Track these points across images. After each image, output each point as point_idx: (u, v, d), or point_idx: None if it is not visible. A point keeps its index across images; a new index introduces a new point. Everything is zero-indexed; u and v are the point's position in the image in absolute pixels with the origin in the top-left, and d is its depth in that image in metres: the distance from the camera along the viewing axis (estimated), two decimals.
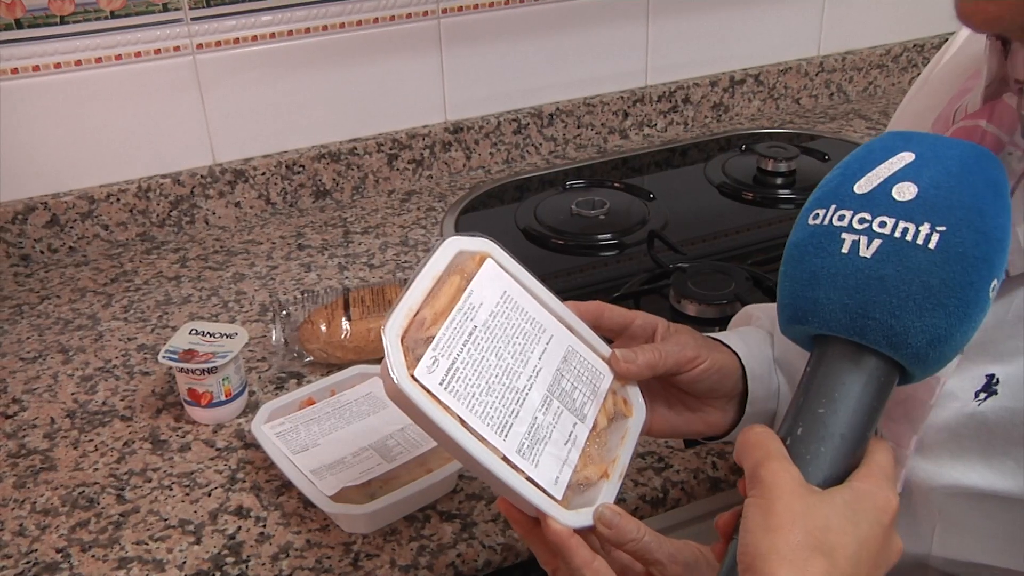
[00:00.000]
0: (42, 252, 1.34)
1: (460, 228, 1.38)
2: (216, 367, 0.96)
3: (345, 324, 1.05)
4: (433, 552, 0.83)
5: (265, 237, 1.38)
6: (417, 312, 0.62)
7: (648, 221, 1.38)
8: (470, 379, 0.62)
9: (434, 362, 0.61)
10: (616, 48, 1.62)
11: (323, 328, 1.05)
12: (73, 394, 1.06)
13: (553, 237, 1.36)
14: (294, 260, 1.32)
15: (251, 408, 1.01)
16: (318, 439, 0.91)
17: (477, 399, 0.61)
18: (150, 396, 1.05)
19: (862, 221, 0.54)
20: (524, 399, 0.64)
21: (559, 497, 0.63)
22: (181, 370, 0.97)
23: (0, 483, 0.93)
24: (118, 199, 1.36)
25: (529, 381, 0.65)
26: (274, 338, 1.07)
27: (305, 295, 1.12)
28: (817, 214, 0.56)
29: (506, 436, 0.62)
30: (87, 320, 1.20)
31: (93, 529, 0.87)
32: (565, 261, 1.31)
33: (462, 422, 0.60)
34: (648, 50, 1.64)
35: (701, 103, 1.70)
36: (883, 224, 0.53)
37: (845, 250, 0.54)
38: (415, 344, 0.61)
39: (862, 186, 0.55)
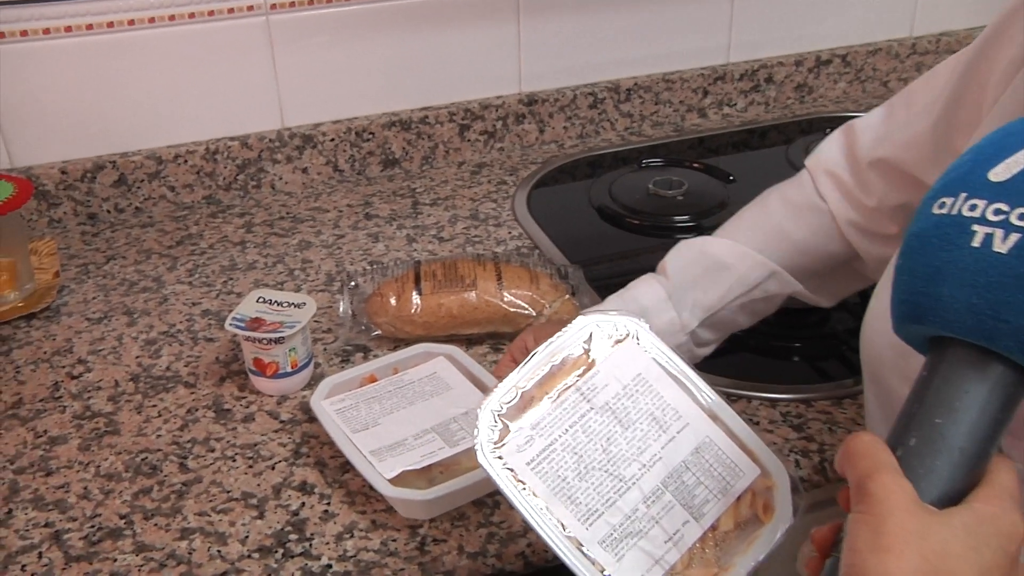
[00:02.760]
0: (109, 212, 1.35)
1: (532, 203, 1.37)
2: (283, 337, 0.95)
3: (415, 298, 1.03)
4: (502, 540, 0.82)
5: (332, 205, 1.37)
6: (525, 388, 0.64)
7: (728, 204, 1.35)
8: (565, 462, 0.62)
9: (527, 441, 0.62)
10: (698, 23, 1.58)
11: (392, 301, 1.04)
12: (137, 357, 1.06)
13: (629, 216, 1.33)
14: (361, 230, 1.31)
15: (316, 380, 1.00)
16: (379, 418, 0.89)
17: (567, 483, 0.62)
18: (214, 363, 1.05)
19: (998, 212, 0.49)
20: (627, 489, 0.63)
21: None
22: (248, 338, 0.96)
23: (66, 444, 0.94)
24: (185, 160, 1.35)
25: (641, 471, 0.63)
26: (341, 310, 1.06)
27: (374, 266, 1.10)
28: (944, 202, 0.51)
29: (590, 525, 0.61)
30: (152, 283, 1.20)
31: (156, 497, 0.87)
32: (640, 242, 1.29)
33: (541, 507, 0.61)
34: (731, 26, 1.61)
35: (784, 83, 1.66)
36: (1023, 217, 0.49)
37: (976, 243, 0.49)
38: (514, 418, 0.63)
39: (999, 173, 0.50)
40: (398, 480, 0.83)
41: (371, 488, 0.86)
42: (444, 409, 0.91)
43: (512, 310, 1.04)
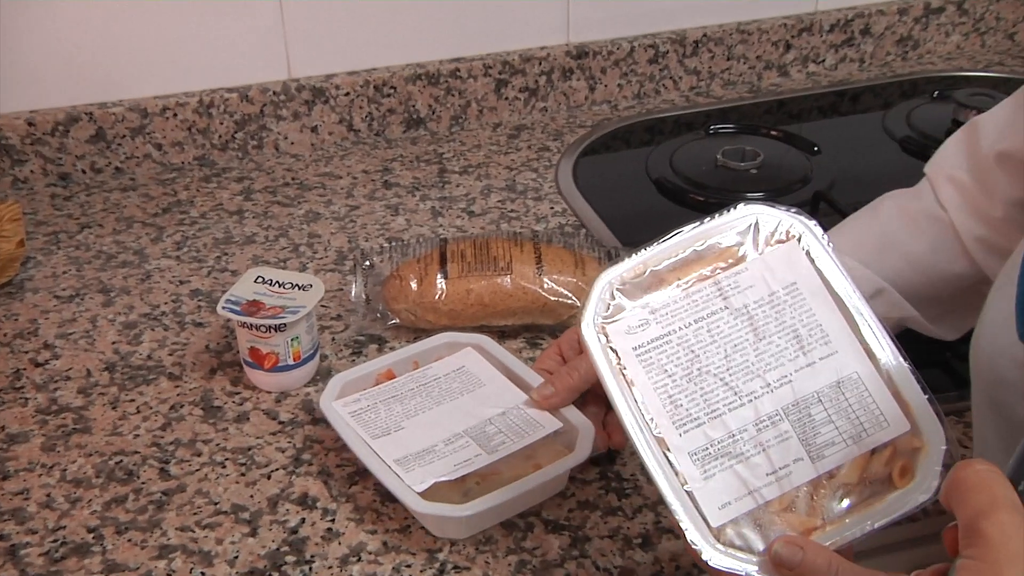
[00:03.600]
0: (84, 172, 1.35)
1: (579, 174, 1.35)
2: (285, 324, 0.94)
3: (440, 282, 1.02)
4: (535, 570, 0.80)
5: (345, 170, 1.37)
6: (657, 268, 0.65)
7: (811, 179, 1.33)
8: (678, 358, 0.63)
9: (642, 324, 0.64)
10: None
11: (413, 285, 1.02)
12: (114, 343, 1.05)
13: (692, 192, 1.32)
14: (379, 200, 1.29)
15: (322, 375, 0.99)
16: (401, 421, 0.88)
17: (674, 381, 0.63)
18: (203, 352, 1.04)
19: None
20: (741, 405, 0.63)
21: (714, 524, 0.60)
22: (243, 325, 0.95)
23: (27, 443, 0.93)
24: (175, 114, 1.35)
25: (763, 389, 0.63)
26: (353, 293, 1.05)
27: (392, 244, 1.09)
28: None
29: (684, 432, 0.62)
30: (133, 256, 1.19)
31: (131, 508, 0.86)
32: None
33: (634, 399, 0.63)
34: None
35: (884, 36, 1.63)
36: None
37: None
38: (634, 296, 0.65)
39: None
40: (430, 493, 0.81)
41: (383, 502, 0.85)
42: (477, 409, 0.89)
43: (553, 299, 1.02)
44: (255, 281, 0.98)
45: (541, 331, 1.05)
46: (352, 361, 1.01)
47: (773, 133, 1.45)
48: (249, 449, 0.92)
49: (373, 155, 1.41)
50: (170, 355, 1.04)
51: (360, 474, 0.88)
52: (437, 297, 1.02)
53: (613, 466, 0.90)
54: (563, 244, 1.08)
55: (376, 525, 0.84)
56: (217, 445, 0.93)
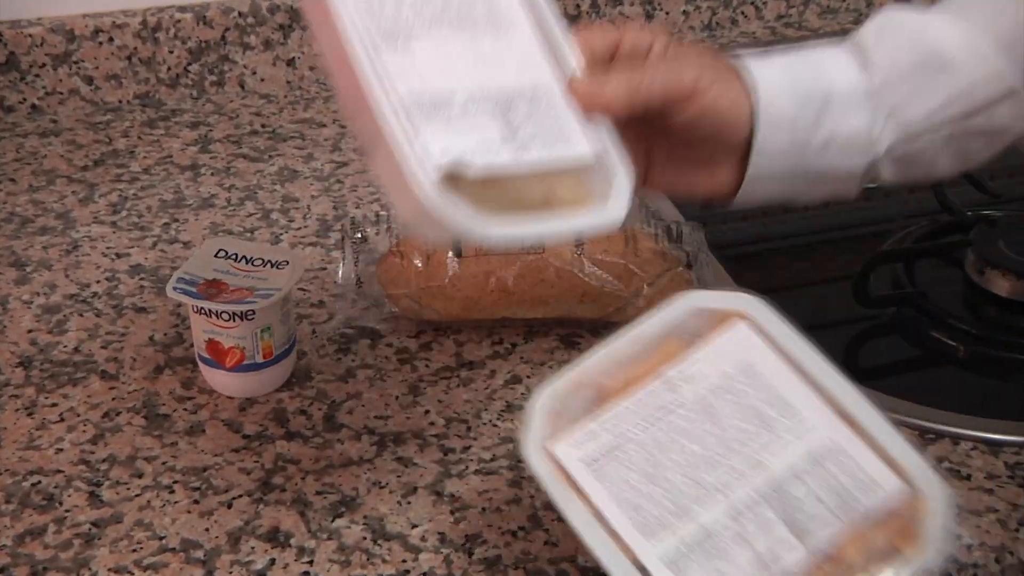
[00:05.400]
0: None
1: None
2: (254, 311, 0.95)
3: (451, 262, 1.03)
4: None
5: (331, 117, 1.38)
6: (598, 376, 0.75)
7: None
8: (634, 462, 0.72)
9: (589, 437, 0.73)
10: None
11: (418, 264, 1.03)
12: (31, 332, 1.07)
13: None
14: None
15: (299, 378, 1.00)
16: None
17: (631, 487, 0.71)
18: (146, 346, 1.05)
19: None
20: (710, 498, 0.70)
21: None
22: (200, 310, 0.96)
23: None
24: (111, 39, 1.36)
25: (732, 475, 0.71)
26: (341, 274, 1.06)
27: (391, 212, 1.10)
28: None
29: (654, 538, 0.69)
30: (55, 220, 1.21)
31: (52, 542, 0.87)
32: None
33: (595, 514, 0.71)
34: None
35: None
36: None
37: None
38: (579, 411, 0.75)
39: None
40: None
41: (375, 541, 0.86)
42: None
43: (595, 284, 1.03)
44: (215, 255, 0.99)
45: (579, 327, 1.06)
46: (337, 359, 1.02)
47: None
48: (205, 470, 0.93)
49: None
50: (103, 348, 1.05)
51: (346, 504, 0.90)
52: (447, 280, 1.03)
53: None
54: None
55: (366, 569, 0.85)
56: (163, 464, 0.93)
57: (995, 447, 0.95)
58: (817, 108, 0.81)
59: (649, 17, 1.52)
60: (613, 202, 0.73)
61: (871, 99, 0.84)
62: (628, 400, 0.74)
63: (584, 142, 0.74)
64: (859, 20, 1.57)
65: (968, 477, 0.92)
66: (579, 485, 0.72)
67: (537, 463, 0.72)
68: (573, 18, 1.49)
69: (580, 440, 0.73)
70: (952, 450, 0.94)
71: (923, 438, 0.94)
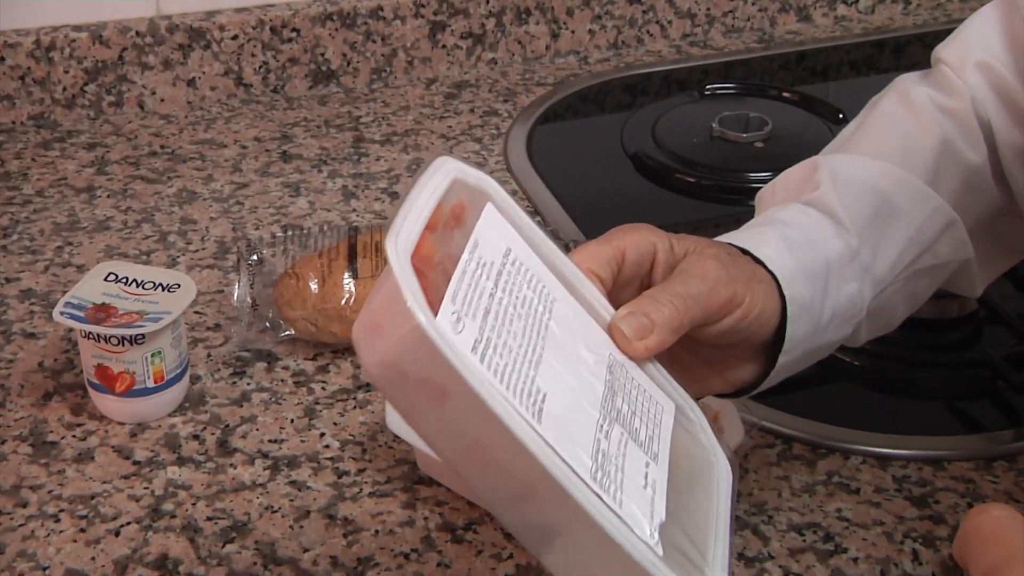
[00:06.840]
0: None
1: (535, 145, 1.36)
2: (143, 335, 0.94)
3: (348, 283, 1.03)
4: None
5: (232, 137, 1.37)
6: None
7: None
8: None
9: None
10: None
11: (313, 287, 1.03)
12: None
13: (680, 171, 1.33)
14: (275, 176, 1.30)
15: (192, 403, 1.00)
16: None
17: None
18: (35, 372, 1.04)
19: None
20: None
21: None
22: (88, 335, 0.95)
23: None
24: (2, 58, 1.35)
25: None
26: (236, 296, 1.06)
27: (289, 233, 1.10)
28: None
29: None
30: None
31: None
32: (696, 211, 1.29)
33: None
34: None
35: None
36: None
37: None
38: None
39: None
40: None
41: (265, 566, 0.86)
42: (577, 353, 0.68)
43: None
44: (105, 279, 0.99)
45: None
46: (232, 383, 1.02)
47: (787, 95, 1.46)
48: (92, 497, 0.92)
49: (269, 118, 1.41)
50: None
51: (237, 529, 0.89)
52: (343, 302, 1.03)
53: None
54: None
55: None
56: (50, 492, 0.92)
57: (884, 461, 0.96)
58: (823, 285, 0.78)
59: (555, 36, 1.53)
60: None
61: (854, 262, 0.83)
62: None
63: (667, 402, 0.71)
64: (762, 40, 1.60)
65: (857, 491, 0.93)
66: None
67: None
68: (478, 37, 1.50)
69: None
70: (843, 464, 0.95)
71: (815, 452, 0.94)
